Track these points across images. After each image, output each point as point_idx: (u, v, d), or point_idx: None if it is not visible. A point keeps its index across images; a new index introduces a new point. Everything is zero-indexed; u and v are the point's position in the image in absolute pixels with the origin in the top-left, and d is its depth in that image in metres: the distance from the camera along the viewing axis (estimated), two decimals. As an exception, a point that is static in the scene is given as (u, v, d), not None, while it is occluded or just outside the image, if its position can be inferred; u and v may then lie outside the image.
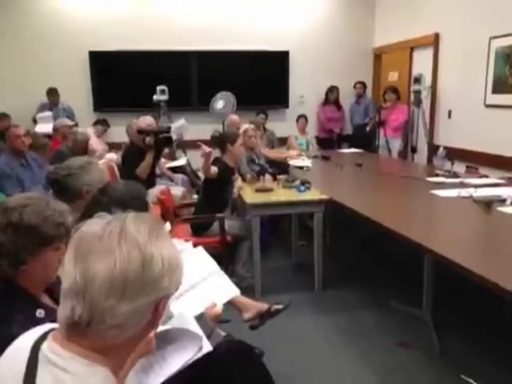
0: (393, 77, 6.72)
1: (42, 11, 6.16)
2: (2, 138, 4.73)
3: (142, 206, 1.87)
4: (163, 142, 4.32)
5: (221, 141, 3.86)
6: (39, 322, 0.97)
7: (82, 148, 4.40)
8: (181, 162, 5.48)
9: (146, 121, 4.86)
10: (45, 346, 0.83)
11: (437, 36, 5.58)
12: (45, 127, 5.44)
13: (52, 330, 0.87)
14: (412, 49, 6.25)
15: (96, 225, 0.85)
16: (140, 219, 0.87)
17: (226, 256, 3.37)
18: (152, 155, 4.15)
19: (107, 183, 1.91)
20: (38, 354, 0.82)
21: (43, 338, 0.85)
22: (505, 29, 4.46)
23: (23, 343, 0.86)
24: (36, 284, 1.27)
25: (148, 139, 4.15)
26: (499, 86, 4.63)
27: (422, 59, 5.97)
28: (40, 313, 1.21)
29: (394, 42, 6.48)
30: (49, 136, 5.08)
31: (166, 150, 5.10)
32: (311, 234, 3.57)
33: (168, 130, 4.56)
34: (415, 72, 5.95)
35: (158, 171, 4.82)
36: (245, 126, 4.56)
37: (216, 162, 3.73)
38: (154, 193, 4.05)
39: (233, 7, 6.61)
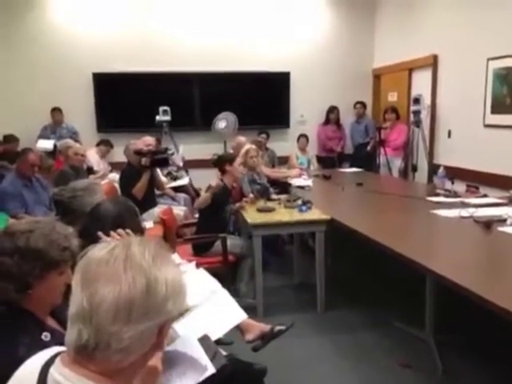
0: (392, 97, 6.80)
1: (47, 33, 6.28)
2: (7, 159, 4.79)
3: (135, 216, 1.91)
4: (159, 163, 4.38)
5: (219, 163, 3.93)
6: (45, 344, 0.99)
7: (78, 161, 4.47)
8: (183, 181, 5.52)
9: (147, 141, 4.93)
10: (53, 369, 0.85)
11: (435, 57, 5.67)
12: (45, 143, 5.52)
13: (59, 353, 0.89)
14: (411, 70, 6.34)
15: (102, 250, 0.87)
16: (144, 244, 0.90)
17: (227, 275, 3.38)
18: (148, 176, 4.20)
19: (95, 206, 1.90)
20: (46, 377, 0.84)
21: (51, 361, 0.87)
22: (501, 51, 4.54)
23: (32, 366, 0.88)
24: (41, 307, 1.28)
25: (144, 160, 4.22)
26: (497, 107, 4.68)
27: (421, 80, 6.06)
28: (46, 336, 1.22)
29: (393, 63, 6.58)
30: (53, 154, 5.16)
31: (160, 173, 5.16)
32: (313, 253, 3.58)
33: (164, 151, 4.61)
34: (414, 92, 6.04)
35: (157, 191, 4.86)
36: (246, 147, 4.62)
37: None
38: (156, 212, 4.09)
39: (235, 30, 6.73)
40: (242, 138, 5.45)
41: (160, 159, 4.35)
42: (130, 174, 4.31)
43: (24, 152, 3.93)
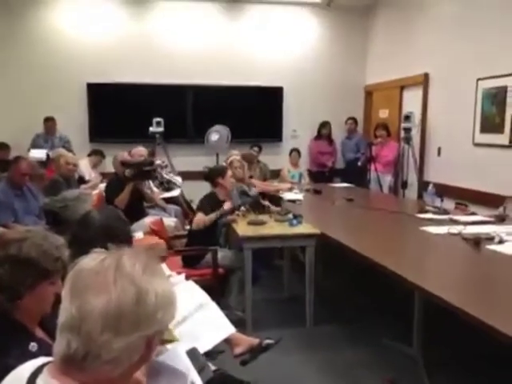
0: (383, 114, 6.89)
1: (42, 42, 6.30)
2: None
3: (125, 225, 1.91)
4: (143, 176, 4.37)
5: (211, 176, 3.92)
6: (33, 355, 0.98)
7: (69, 171, 4.46)
8: (174, 192, 5.52)
9: (140, 151, 4.95)
10: (40, 380, 0.84)
11: (426, 76, 5.76)
12: (38, 153, 5.51)
13: (47, 363, 0.88)
14: (402, 87, 6.44)
15: (92, 260, 0.87)
16: (135, 255, 0.90)
17: (217, 288, 3.36)
18: (130, 187, 4.19)
19: (84, 215, 1.91)
20: (33, 388, 0.83)
21: (38, 371, 0.86)
22: (490, 71, 4.63)
23: (18, 377, 0.87)
24: (31, 317, 1.27)
25: (128, 171, 4.23)
26: (487, 126, 4.76)
27: (412, 98, 6.15)
28: (33, 346, 1.20)
29: (384, 80, 6.68)
30: (44, 164, 5.14)
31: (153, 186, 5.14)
32: (303, 267, 3.58)
33: (150, 163, 4.60)
34: (405, 110, 6.12)
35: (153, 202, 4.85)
36: (230, 158, 4.64)
37: (207, 197, 3.79)
38: (146, 223, 4.09)
39: (229, 44, 6.80)
40: (235, 152, 5.47)
41: (144, 172, 4.35)
42: (115, 184, 4.34)
43: (16, 160, 3.90)
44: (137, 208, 4.31)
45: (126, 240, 1.81)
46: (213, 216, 3.63)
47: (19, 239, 1.26)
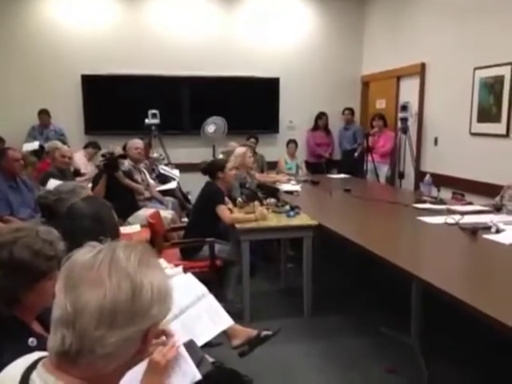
0: (380, 104, 6.87)
1: (36, 34, 6.23)
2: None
3: (112, 212, 1.90)
4: (109, 168, 4.36)
5: (211, 169, 3.89)
6: (31, 350, 0.96)
7: (64, 163, 4.45)
8: (171, 185, 5.49)
9: (135, 144, 4.92)
10: (35, 375, 0.83)
11: (423, 66, 5.74)
12: (30, 146, 5.48)
13: (41, 358, 0.87)
14: (399, 77, 6.41)
15: (86, 254, 0.86)
16: (130, 248, 0.89)
17: (215, 280, 3.36)
18: (104, 179, 4.23)
19: (70, 207, 1.89)
20: (28, 383, 0.82)
21: (33, 366, 0.85)
22: (488, 60, 4.61)
23: (13, 372, 0.86)
24: (30, 313, 1.25)
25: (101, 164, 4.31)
26: (484, 116, 4.75)
27: (409, 88, 6.13)
28: (32, 341, 1.19)
29: (381, 70, 6.64)
30: (38, 154, 5.11)
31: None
32: (300, 258, 3.58)
33: (111, 155, 4.55)
34: (402, 100, 6.10)
35: (147, 194, 4.82)
36: (242, 149, 4.65)
37: (210, 185, 3.77)
38: (142, 215, 4.07)
39: (224, 34, 6.75)
40: (233, 144, 5.45)
41: (108, 164, 4.34)
42: (98, 176, 4.41)
43: (3, 151, 3.90)
44: (127, 201, 4.29)
45: (114, 227, 1.80)
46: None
47: (9, 242, 1.22)
